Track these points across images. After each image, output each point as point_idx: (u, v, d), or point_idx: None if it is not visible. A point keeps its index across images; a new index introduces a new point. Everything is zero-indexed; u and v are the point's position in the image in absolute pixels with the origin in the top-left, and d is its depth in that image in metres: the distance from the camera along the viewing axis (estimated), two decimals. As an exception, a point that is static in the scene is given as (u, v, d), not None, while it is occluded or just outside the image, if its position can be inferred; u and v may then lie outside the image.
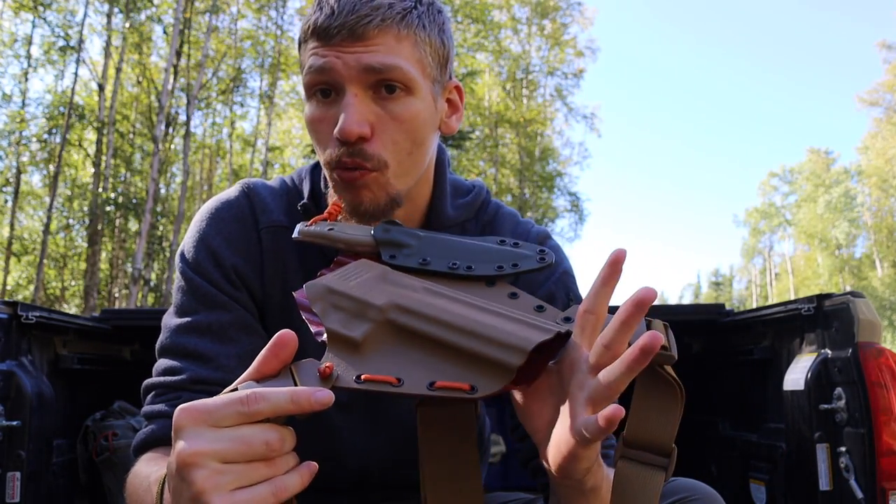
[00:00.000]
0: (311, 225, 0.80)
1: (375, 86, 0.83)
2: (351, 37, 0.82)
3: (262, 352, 0.59)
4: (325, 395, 0.55)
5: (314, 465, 0.57)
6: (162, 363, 0.90)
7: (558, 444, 0.60)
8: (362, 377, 0.60)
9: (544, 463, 0.64)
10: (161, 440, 0.86)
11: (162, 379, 0.89)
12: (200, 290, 0.91)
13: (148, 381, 0.91)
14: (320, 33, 0.83)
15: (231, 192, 0.98)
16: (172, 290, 0.97)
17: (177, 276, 0.95)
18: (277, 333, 0.59)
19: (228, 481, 0.52)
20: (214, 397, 0.55)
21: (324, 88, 0.85)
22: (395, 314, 0.65)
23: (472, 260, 0.73)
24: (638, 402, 0.59)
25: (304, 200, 0.96)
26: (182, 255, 0.95)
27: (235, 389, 0.57)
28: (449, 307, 0.65)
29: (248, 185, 0.99)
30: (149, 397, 0.90)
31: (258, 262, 0.94)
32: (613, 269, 0.59)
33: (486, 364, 0.60)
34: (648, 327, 0.59)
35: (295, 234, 0.80)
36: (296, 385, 0.57)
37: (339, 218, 0.87)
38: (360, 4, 0.82)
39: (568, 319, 0.64)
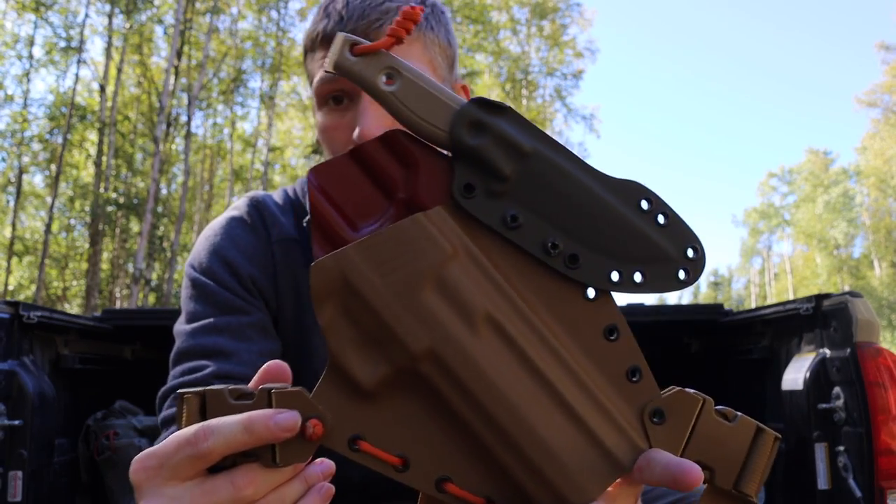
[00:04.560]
0: (361, 53, 0.48)
1: None
2: None
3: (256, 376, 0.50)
4: (289, 419, 0.43)
5: (329, 487, 0.48)
6: (179, 368, 0.84)
7: None
8: (359, 445, 0.45)
9: None
10: None
11: (181, 380, 0.83)
12: (215, 296, 0.87)
13: (164, 388, 0.85)
14: (330, 41, 0.82)
15: (240, 207, 0.96)
16: (181, 302, 0.92)
17: (185, 287, 0.91)
18: (267, 364, 0.49)
19: None
20: (164, 441, 0.45)
21: (336, 95, 0.84)
22: (429, 368, 0.46)
23: (585, 234, 0.48)
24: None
25: (309, 216, 0.95)
26: (192, 266, 0.91)
27: (203, 394, 0.45)
28: (509, 386, 0.46)
29: (256, 199, 0.97)
30: (167, 401, 0.84)
31: (272, 275, 0.92)
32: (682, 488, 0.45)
33: (517, 491, 0.46)
34: (757, 435, 0.49)
35: (327, 66, 0.49)
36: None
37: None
38: (368, 9, 0.81)
39: (659, 414, 0.48)
